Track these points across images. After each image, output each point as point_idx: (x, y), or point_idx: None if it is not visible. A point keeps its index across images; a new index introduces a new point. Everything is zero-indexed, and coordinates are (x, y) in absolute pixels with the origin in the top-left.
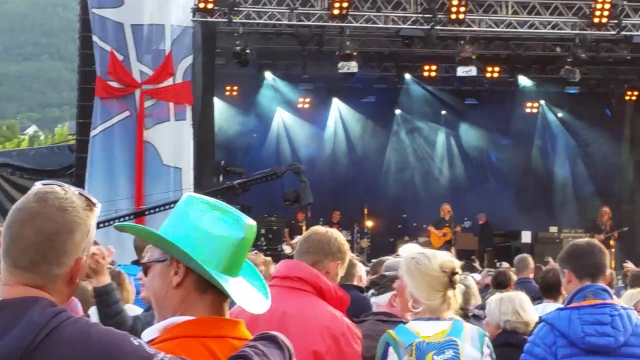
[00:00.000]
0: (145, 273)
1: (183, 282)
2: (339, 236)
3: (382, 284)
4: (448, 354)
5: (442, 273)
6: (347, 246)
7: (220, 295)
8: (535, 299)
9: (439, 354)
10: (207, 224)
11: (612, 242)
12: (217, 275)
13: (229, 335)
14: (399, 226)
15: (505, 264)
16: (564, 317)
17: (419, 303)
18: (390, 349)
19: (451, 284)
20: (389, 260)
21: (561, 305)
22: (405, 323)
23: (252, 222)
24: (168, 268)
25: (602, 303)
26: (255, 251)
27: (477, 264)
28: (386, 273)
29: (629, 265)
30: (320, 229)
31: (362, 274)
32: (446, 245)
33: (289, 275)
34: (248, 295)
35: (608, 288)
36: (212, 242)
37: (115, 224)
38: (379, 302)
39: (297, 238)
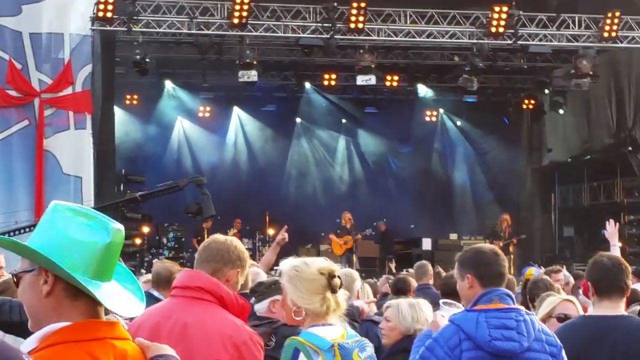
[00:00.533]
0: (17, 285)
1: (53, 291)
2: (238, 244)
3: (260, 291)
4: (369, 352)
5: (320, 275)
6: (246, 254)
7: (94, 300)
8: (435, 304)
9: (361, 351)
10: (74, 231)
11: (511, 249)
12: (85, 281)
13: (107, 336)
14: (301, 234)
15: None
16: (472, 319)
17: (300, 309)
18: (301, 355)
19: (330, 286)
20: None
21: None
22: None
23: (119, 227)
24: (37, 277)
25: (508, 308)
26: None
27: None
28: (263, 280)
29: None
30: (219, 237)
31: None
32: (348, 254)
33: (189, 285)
34: (120, 299)
35: (511, 294)
36: (79, 248)
37: None
38: (259, 309)
39: None
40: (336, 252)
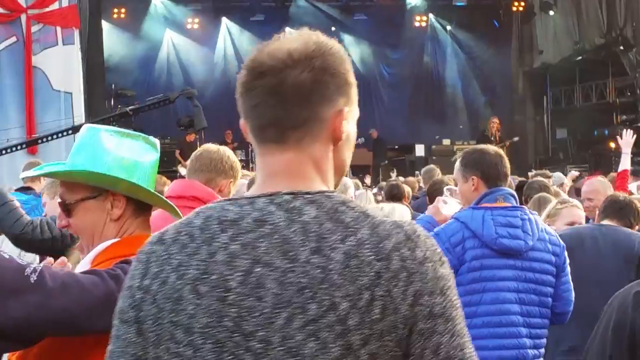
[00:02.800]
0: (69, 214)
1: (124, 213)
2: (231, 154)
3: None
4: None
5: None
6: (238, 164)
7: (148, 214)
8: None
9: None
10: (129, 152)
11: (503, 151)
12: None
13: None
14: None
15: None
16: (478, 216)
17: None
18: None
19: None
20: None
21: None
22: None
23: (157, 141)
24: (103, 202)
25: (513, 206)
26: None
27: (368, 180)
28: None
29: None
30: (211, 147)
31: None
32: None
33: (184, 195)
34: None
35: (514, 194)
36: (140, 168)
37: (46, 171)
38: None
39: None
40: None
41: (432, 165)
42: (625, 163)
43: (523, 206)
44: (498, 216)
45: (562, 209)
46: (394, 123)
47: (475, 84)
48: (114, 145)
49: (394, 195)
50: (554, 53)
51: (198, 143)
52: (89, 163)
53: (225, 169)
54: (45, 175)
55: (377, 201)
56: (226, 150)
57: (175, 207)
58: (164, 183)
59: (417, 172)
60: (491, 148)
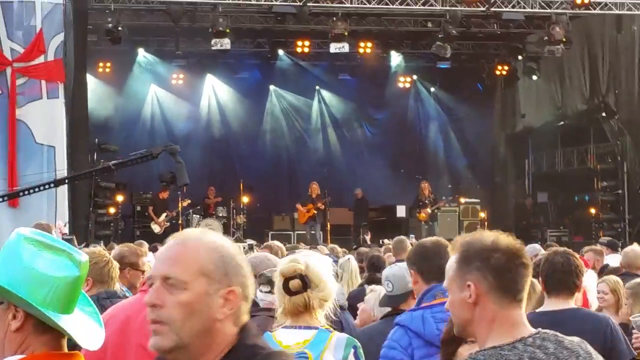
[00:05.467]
0: None
1: (23, 326)
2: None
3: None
4: None
5: (281, 277)
6: None
7: (59, 333)
8: None
9: None
10: (43, 265)
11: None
12: (55, 317)
13: None
14: (276, 202)
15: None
16: (417, 317)
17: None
18: None
19: (284, 289)
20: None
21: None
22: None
23: (85, 258)
24: (5, 312)
25: None
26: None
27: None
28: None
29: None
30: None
31: None
32: (311, 222)
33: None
34: (85, 330)
35: None
36: (49, 284)
37: None
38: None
39: (163, 216)
40: (300, 221)
41: (402, 237)
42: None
43: None
44: (438, 312)
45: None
46: (377, 183)
47: (457, 145)
48: (29, 256)
49: (373, 264)
50: (537, 117)
51: (181, 200)
52: (4, 272)
53: None
54: None
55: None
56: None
57: (68, 332)
58: (141, 254)
59: (386, 240)
60: (429, 241)
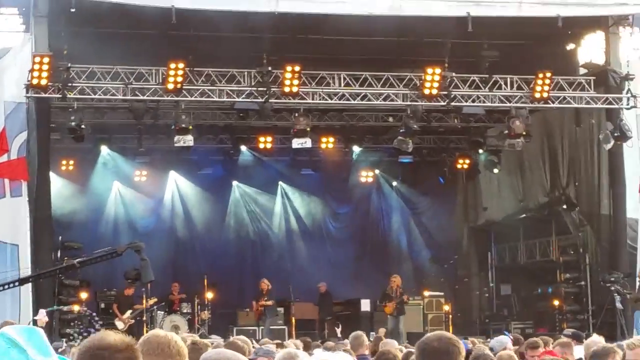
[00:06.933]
0: None
1: None
2: (178, 339)
3: None
4: None
5: None
6: (185, 350)
7: None
8: None
9: None
10: None
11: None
12: None
13: None
14: (240, 297)
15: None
16: None
17: None
18: None
19: None
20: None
21: None
22: None
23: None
24: None
25: None
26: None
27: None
28: None
29: None
30: (159, 332)
31: None
32: (263, 318)
33: None
34: None
35: None
36: None
37: None
38: None
39: (128, 313)
40: (255, 317)
41: (359, 332)
42: None
43: None
44: None
45: None
46: (341, 277)
47: (420, 239)
48: None
49: None
50: (499, 210)
51: (146, 296)
52: None
53: (172, 353)
54: None
55: None
56: (173, 335)
57: None
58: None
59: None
60: (435, 338)
